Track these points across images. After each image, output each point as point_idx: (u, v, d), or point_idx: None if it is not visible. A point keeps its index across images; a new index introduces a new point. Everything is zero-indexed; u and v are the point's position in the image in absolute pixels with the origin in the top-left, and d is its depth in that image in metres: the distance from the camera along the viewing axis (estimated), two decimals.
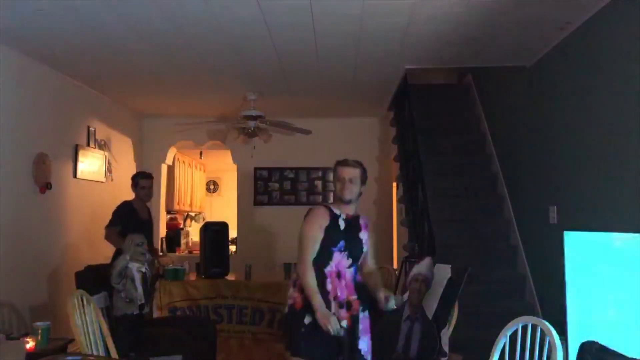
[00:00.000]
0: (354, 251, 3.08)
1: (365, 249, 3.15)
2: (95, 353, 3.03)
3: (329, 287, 2.96)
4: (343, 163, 3.12)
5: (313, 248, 3.00)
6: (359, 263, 3.15)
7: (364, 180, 3.15)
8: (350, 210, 3.13)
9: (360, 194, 3.13)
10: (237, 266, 6.15)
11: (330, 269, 2.99)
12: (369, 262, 3.22)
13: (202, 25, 4.15)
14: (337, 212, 3.11)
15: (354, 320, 2.97)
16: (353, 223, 3.13)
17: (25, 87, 4.97)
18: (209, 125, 7.38)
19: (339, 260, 3.02)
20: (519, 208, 5.47)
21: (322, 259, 3.00)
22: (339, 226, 3.06)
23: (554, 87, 4.64)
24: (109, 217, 4.92)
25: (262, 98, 6.33)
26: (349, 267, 3.05)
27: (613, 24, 3.69)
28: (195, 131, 7.46)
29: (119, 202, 5.05)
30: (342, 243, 3.02)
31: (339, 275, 3.00)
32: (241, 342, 5.48)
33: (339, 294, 2.97)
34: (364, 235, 3.13)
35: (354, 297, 3.00)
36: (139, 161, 7.76)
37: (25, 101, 4.97)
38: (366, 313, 3.05)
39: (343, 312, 2.94)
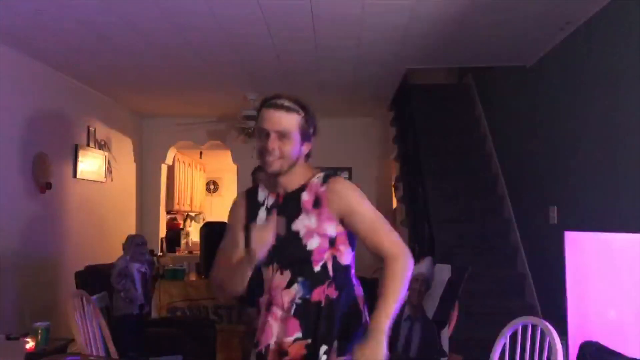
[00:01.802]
0: (288, 258, 1.79)
1: (314, 243, 1.75)
2: (95, 353, 3.03)
3: (259, 323, 1.88)
4: (268, 103, 1.85)
5: (224, 241, 1.94)
6: (342, 261, 1.79)
7: (305, 132, 1.81)
8: (290, 182, 1.83)
9: (305, 156, 1.85)
10: None
11: (262, 298, 1.86)
12: (384, 246, 1.76)
13: (202, 25, 4.15)
14: (260, 196, 1.92)
15: None
16: (285, 206, 1.82)
17: (25, 87, 4.97)
18: (209, 125, 7.39)
19: (270, 280, 1.82)
20: (519, 208, 5.47)
21: (257, 284, 1.88)
22: (255, 222, 1.85)
23: (554, 87, 4.64)
24: (109, 216, 4.90)
25: (262, 98, 6.32)
26: (288, 286, 1.79)
27: (613, 24, 3.69)
28: (195, 131, 7.48)
29: (119, 202, 5.03)
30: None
31: (269, 305, 1.82)
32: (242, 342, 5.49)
33: (262, 338, 1.81)
34: (305, 220, 1.76)
35: (291, 337, 1.76)
36: (139, 161, 7.76)
37: (25, 101, 4.97)
38: (331, 350, 1.76)
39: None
